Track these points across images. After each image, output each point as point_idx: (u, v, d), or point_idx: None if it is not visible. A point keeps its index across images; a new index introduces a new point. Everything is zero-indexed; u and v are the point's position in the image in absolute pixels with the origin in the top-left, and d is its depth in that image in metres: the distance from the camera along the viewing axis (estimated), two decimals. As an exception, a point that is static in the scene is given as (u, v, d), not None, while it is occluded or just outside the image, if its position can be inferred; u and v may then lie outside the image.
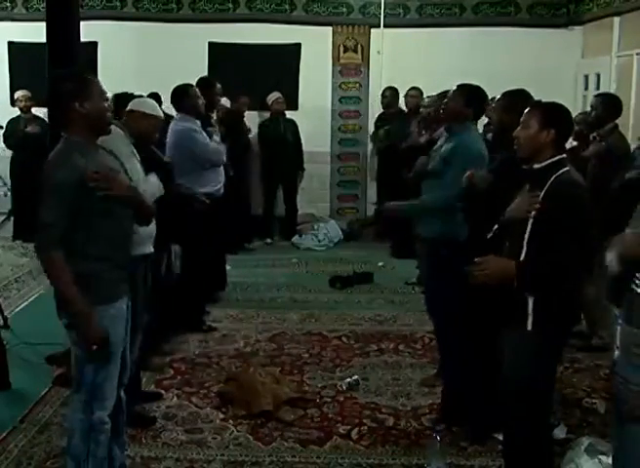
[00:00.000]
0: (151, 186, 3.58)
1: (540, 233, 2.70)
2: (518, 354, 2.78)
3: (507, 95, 3.52)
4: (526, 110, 2.85)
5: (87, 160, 2.69)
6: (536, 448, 2.85)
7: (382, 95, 8.07)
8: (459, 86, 3.90)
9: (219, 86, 5.89)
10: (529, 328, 2.73)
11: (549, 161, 2.76)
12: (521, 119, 2.83)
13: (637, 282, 2.24)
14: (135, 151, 3.54)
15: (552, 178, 2.72)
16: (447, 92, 4.36)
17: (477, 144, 3.74)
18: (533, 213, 2.70)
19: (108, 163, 2.85)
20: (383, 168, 7.97)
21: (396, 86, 8.03)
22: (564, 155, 2.81)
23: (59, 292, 2.72)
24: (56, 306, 2.79)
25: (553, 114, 2.80)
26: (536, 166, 2.79)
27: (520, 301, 2.73)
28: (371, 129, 8.68)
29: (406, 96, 7.77)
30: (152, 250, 3.68)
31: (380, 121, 8.18)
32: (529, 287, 2.72)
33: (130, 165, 3.26)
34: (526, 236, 2.73)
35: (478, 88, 3.85)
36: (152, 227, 3.61)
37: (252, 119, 8.29)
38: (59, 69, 4.10)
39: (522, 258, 2.73)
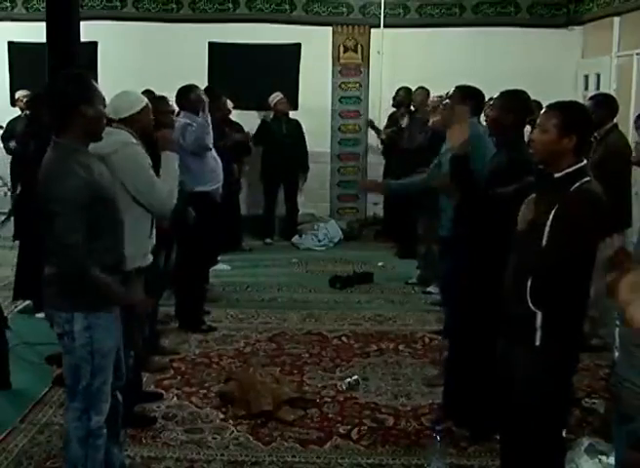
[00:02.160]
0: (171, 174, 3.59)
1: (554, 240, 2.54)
2: (528, 370, 2.66)
3: (505, 94, 3.51)
4: (542, 111, 2.67)
5: (88, 170, 2.66)
6: (547, 464, 2.76)
7: (396, 93, 7.87)
8: (455, 87, 3.95)
9: (224, 98, 5.92)
10: (537, 343, 2.62)
11: (570, 170, 2.56)
12: (537, 121, 2.65)
13: None
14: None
15: (572, 189, 2.53)
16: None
17: (479, 133, 3.76)
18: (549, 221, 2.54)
19: (104, 171, 2.81)
20: (389, 168, 7.92)
21: (397, 86, 7.97)
22: (585, 162, 2.60)
23: (112, 298, 2.77)
24: (49, 320, 2.82)
25: (574, 118, 2.58)
26: (556, 175, 2.59)
27: (527, 316, 2.62)
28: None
29: (413, 94, 7.67)
30: (149, 262, 3.54)
31: (390, 120, 8.10)
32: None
33: None
34: (543, 242, 2.56)
35: (474, 87, 3.94)
36: (147, 242, 3.54)
37: (252, 119, 8.30)
38: (59, 69, 4.09)
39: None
